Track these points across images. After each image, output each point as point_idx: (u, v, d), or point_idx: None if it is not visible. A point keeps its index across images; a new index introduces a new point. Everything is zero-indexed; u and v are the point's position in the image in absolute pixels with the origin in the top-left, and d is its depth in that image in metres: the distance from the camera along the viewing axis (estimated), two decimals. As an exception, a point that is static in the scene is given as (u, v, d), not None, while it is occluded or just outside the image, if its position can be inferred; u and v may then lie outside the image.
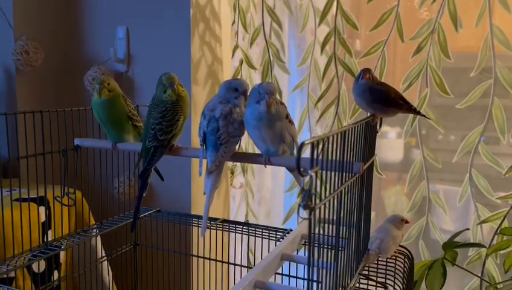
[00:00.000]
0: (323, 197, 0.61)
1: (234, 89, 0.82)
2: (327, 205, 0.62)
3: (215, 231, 1.15)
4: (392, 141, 1.49)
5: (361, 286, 0.92)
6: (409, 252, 0.98)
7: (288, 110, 1.61)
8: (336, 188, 0.66)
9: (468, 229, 1.22)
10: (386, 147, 1.49)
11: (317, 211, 0.56)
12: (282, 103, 0.78)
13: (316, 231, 0.60)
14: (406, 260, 0.97)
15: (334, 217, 0.67)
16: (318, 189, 0.60)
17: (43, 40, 1.53)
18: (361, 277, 0.86)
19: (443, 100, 1.35)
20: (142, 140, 0.90)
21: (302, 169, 0.52)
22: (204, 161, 0.83)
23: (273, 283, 0.77)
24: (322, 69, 1.47)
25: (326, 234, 0.71)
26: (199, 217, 1.20)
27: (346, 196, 0.71)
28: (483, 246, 1.19)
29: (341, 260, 0.73)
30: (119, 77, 1.56)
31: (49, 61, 1.57)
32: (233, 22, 1.60)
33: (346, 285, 0.77)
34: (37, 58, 1.47)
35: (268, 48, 1.54)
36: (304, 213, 0.55)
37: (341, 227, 0.72)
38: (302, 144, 0.52)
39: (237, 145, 0.83)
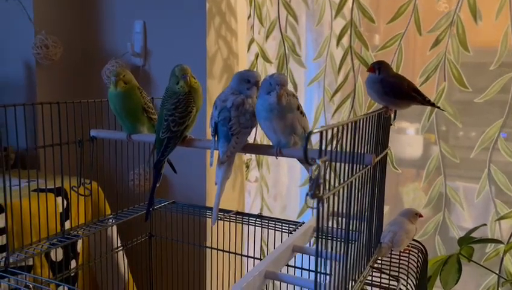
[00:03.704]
0: (332, 188, 0.60)
1: (246, 80, 0.82)
2: (336, 196, 0.61)
3: (229, 223, 1.16)
4: (409, 136, 1.47)
5: (375, 279, 0.91)
6: (423, 246, 0.97)
7: (304, 104, 1.60)
8: (346, 179, 0.65)
9: (485, 224, 1.20)
10: (404, 143, 1.48)
11: (325, 201, 0.56)
12: (293, 95, 0.78)
13: (325, 222, 0.60)
14: (419, 254, 0.96)
15: (344, 209, 0.67)
16: (328, 179, 0.59)
17: (62, 35, 1.56)
18: (373, 269, 0.86)
19: (461, 94, 1.33)
20: (155, 131, 0.91)
21: (310, 158, 0.52)
22: (216, 152, 0.83)
23: (283, 274, 0.77)
24: (338, 62, 1.46)
25: (336, 226, 0.71)
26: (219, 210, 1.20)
27: (356, 188, 0.70)
28: (501, 242, 1.17)
29: (352, 252, 0.73)
30: (136, 70, 1.57)
31: (68, 55, 1.60)
32: (249, 16, 1.60)
33: (357, 278, 0.77)
34: (56, 52, 1.49)
35: (284, 42, 1.54)
36: (312, 203, 0.55)
37: (351, 219, 0.72)
38: (310, 133, 0.52)
39: (249, 137, 0.83)
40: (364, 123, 0.70)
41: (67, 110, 0.97)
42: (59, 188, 1.19)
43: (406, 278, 0.93)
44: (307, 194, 0.54)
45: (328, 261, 0.73)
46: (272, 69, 1.60)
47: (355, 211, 0.72)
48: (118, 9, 1.61)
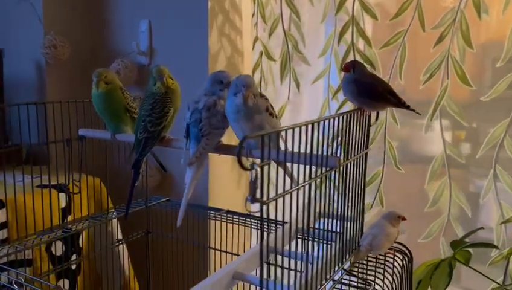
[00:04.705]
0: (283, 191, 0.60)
1: (219, 81, 0.82)
2: (294, 198, 0.61)
3: (220, 222, 1.16)
4: (412, 134, 1.44)
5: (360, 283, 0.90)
6: (408, 250, 0.94)
7: (309, 102, 1.58)
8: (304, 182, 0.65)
9: (482, 228, 1.15)
10: (407, 141, 1.44)
11: (268, 205, 0.56)
12: (262, 96, 0.77)
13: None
14: (404, 257, 0.93)
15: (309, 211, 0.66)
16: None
17: (70, 35, 1.60)
18: (348, 273, 0.85)
19: (467, 92, 1.28)
20: (134, 132, 0.92)
21: (244, 164, 0.52)
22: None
23: (251, 275, 0.78)
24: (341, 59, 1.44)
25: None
26: (210, 209, 1.22)
27: (319, 190, 0.70)
28: (495, 247, 1.12)
29: (318, 253, 0.72)
30: (141, 69, 1.60)
31: (76, 55, 1.64)
32: (253, 14, 1.59)
33: (326, 279, 0.76)
34: (64, 52, 1.54)
35: (287, 40, 1.53)
36: (251, 206, 0.55)
37: (318, 220, 0.71)
38: (245, 138, 0.52)
39: (222, 138, 0.83)
40: (329, 125, 0.69)
41: (77, 108, 1.01)
42: (61, 184, 1.23)
43: (390, 283, 0.91)
44: (247, 199, 0.54)
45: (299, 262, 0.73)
46: (275, 67, 1.59)
47: (319, 213, 0.72)
48: (124, 9, 1.64)
